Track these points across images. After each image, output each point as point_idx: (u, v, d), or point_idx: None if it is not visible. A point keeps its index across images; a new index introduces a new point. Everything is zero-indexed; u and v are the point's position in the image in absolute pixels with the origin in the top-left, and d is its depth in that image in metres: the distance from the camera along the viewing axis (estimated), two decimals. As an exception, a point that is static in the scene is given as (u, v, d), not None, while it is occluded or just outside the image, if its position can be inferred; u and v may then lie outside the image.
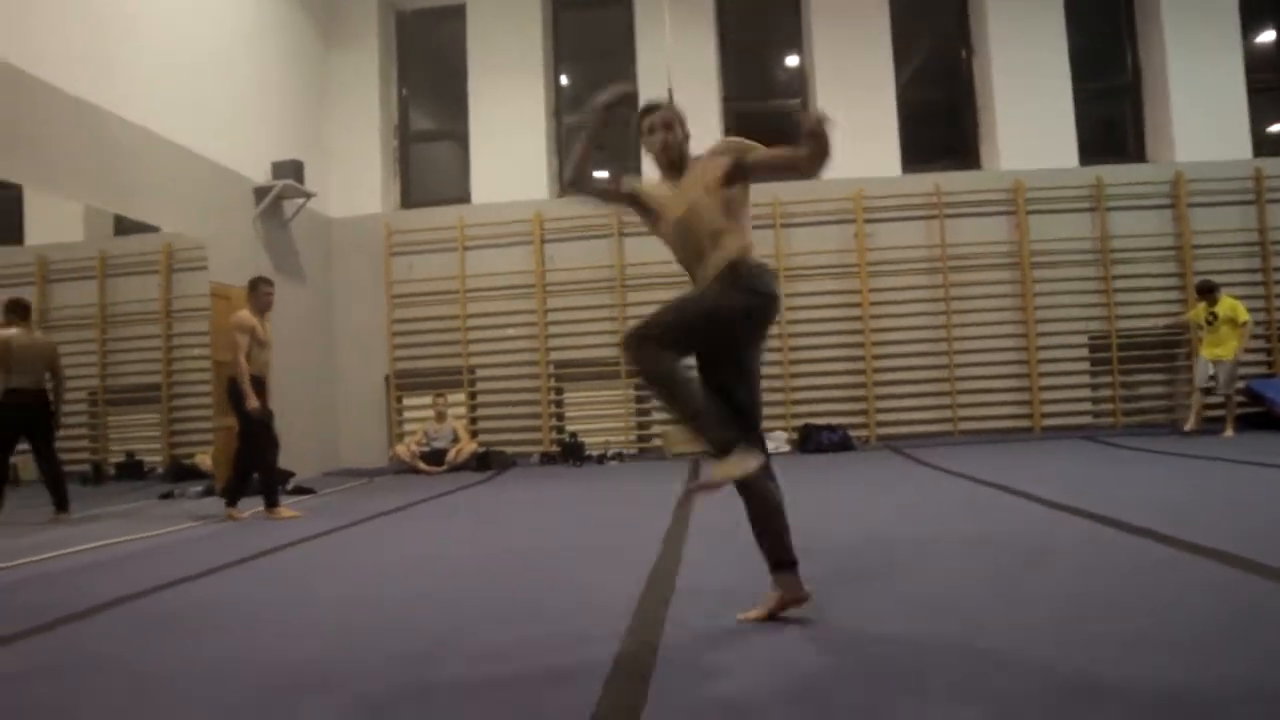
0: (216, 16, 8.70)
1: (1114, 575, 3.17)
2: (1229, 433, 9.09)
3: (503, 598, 3.38)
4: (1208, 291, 9.24)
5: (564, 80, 11.25)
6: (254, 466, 6.52)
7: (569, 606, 3.12)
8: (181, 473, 8.63)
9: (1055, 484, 5.79)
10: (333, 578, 4.07)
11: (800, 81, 10.80)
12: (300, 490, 8.19)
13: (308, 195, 9.56)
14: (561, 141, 11.03)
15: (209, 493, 8.06)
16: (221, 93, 8.69)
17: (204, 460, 8.69)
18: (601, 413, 10.36)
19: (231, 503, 6.46)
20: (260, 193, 9.12)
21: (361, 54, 10.88)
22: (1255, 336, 9.86)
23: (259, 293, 6.61)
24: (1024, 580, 3.17)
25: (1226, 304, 9.12)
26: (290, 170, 9.24)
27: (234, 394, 6.42)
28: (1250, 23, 10.60)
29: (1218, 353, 9.12)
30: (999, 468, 6.97)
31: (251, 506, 6.63)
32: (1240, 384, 9.56)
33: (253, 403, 6.34)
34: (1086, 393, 10.17)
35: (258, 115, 9.32)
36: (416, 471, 9.73)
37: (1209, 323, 9.17)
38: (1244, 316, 9.06)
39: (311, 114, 10.49)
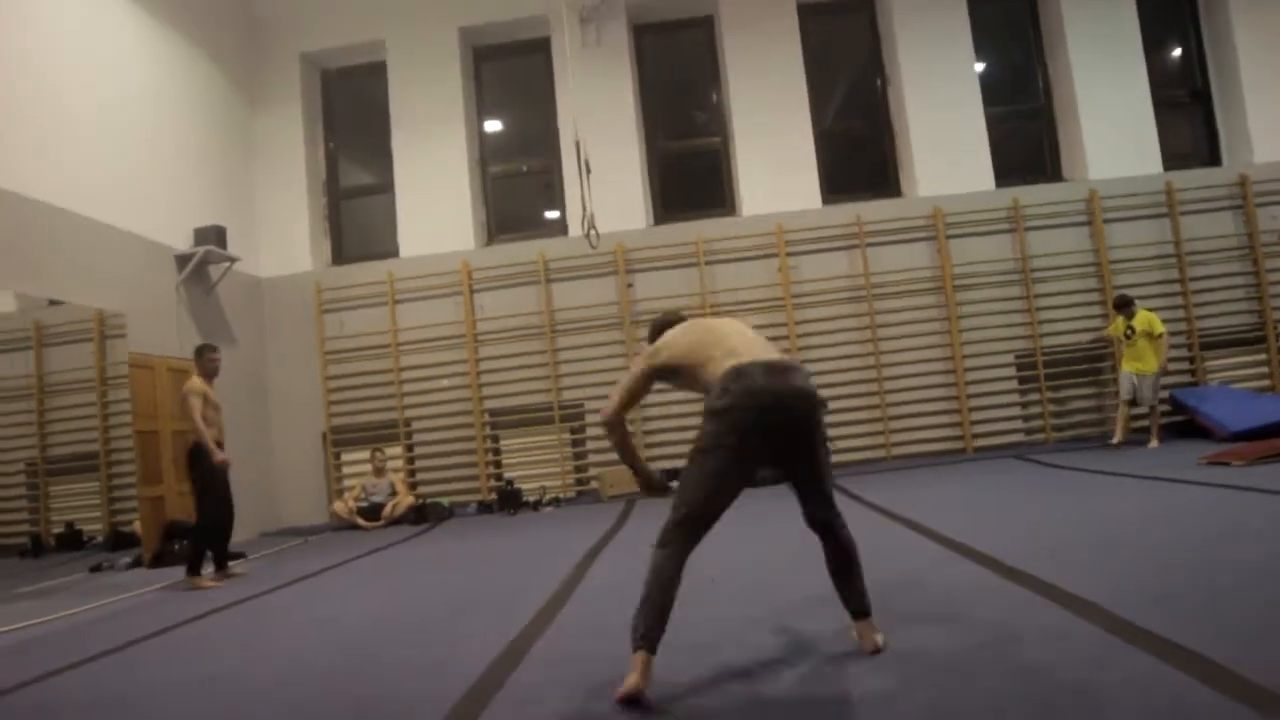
0: (132, 91, 8.76)
1: (971, 642, 3.05)
2: (1154, 443, 9.21)
3: (354, 675, 3.42)
4: (1124, 306, 9.40)
5: (488, 128, 11.38)
6: (216, 527, 6.76)
7: (409, 690, 3.13)
8: (121, 541, 8.59)
9: (958, 515, 5.88)
10: (216, 655, 4.10)
11: (719, 119, 10.97)
12: (229, 556, 8.14)
13: (232, 259, 9.60)
14: (487, 190, 11.15)
15: (137, 563, 8.03)
16: (139, 164, 8.73)
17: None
18: (538, 458, 10.39)
19: (195, 571, 6.54)
20: (182, 260, 9.15)
21: (286, 114, 10.97)
22: (1177, 346, 10.05)
23: (205, 359, 6.95)
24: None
25: (1143, 318, 9.27)
26: (212, 236, 9.28)
27: (196, 459, 6.64)
28: (1153, 41, 10.87)
29: (1138, 366, 9.25)
30: (916, 498, 7.05)
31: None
32: (1164, 394, 9.72)
33: (220, 456, 6.60)
34: (1016, 410, 10.29)
35: (179, 183, 9.36)
36: (355, 528, 9.72)
37: (1127, 336, 9.32)
38: (1159, 329, 9.21)
39: (238, 176, 10.55)
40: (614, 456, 10.08)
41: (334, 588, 5.98)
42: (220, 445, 6.72)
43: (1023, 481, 7.74)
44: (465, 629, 4.08)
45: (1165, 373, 9.35)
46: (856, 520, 5.38)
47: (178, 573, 6.88)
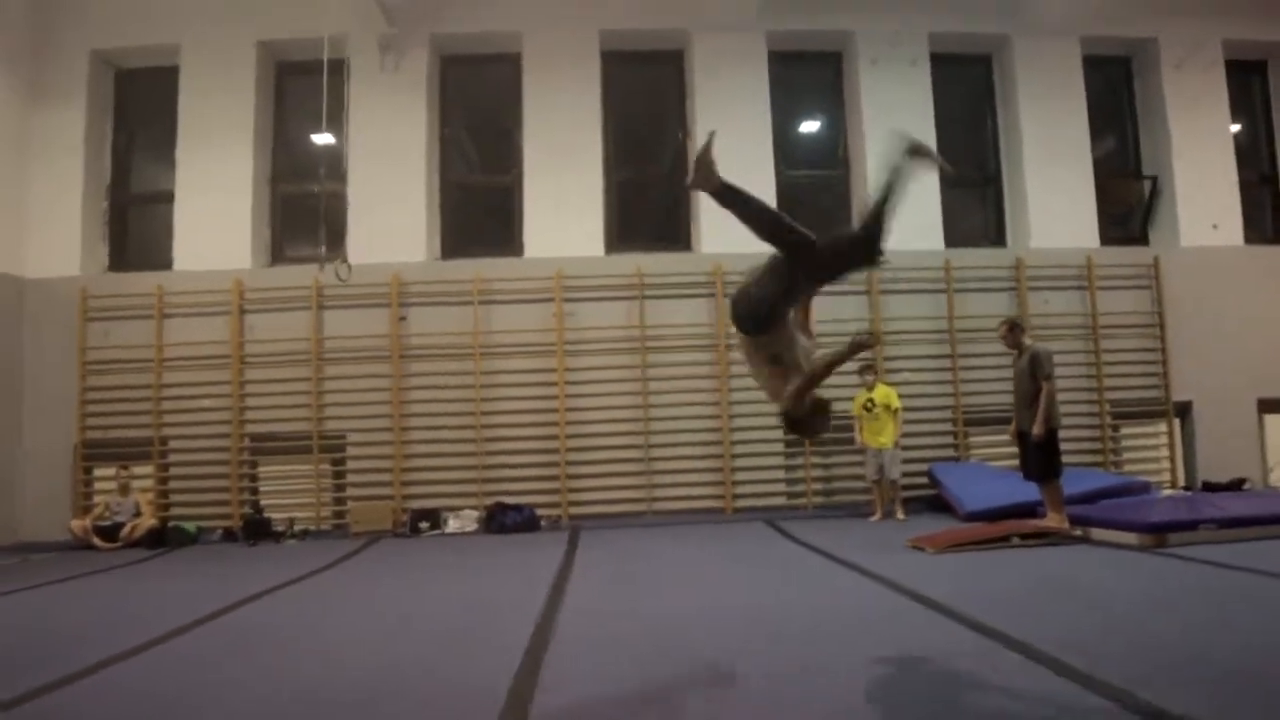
0: None
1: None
2: (900, 516, 9.30)
3: None
4: (863, 372, 9.35)
5: (284, 146, 11.10)
6: None
7: None
8: None
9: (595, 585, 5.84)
10: None
11: (514, 158, 10.87)
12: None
13: (-24, 259, 9.22)
14: (275, 210, 10.89)
15: None
16: None
17: None
18: (295, 487, 10.14)
19: None
20: (-87, 257, 8.74)
21: (70, 111, 10.55)
22: (943, 420, 10.28)
23: None
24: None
25: (882, 392, 9.36)
26: (-50, 234, 8.89)
27: None
28: (953, 124, 11.13)
29: (879, 441, 9.28)
30: (625, 565, 6.97)
31: None
32: (923, 466, 9.91)
33: None
34: (780, 474, 10.38)
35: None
36: (91, 547, 9.33)
37: (868, 409, 9.39)
38: (896, 404, 9.32)
39: (5, 173, 10.12)
40: (370, 491, 9.96)
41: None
42: None
43: (735, 552, 7.57)
44: None
45: (901, 446, 9.42)
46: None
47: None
